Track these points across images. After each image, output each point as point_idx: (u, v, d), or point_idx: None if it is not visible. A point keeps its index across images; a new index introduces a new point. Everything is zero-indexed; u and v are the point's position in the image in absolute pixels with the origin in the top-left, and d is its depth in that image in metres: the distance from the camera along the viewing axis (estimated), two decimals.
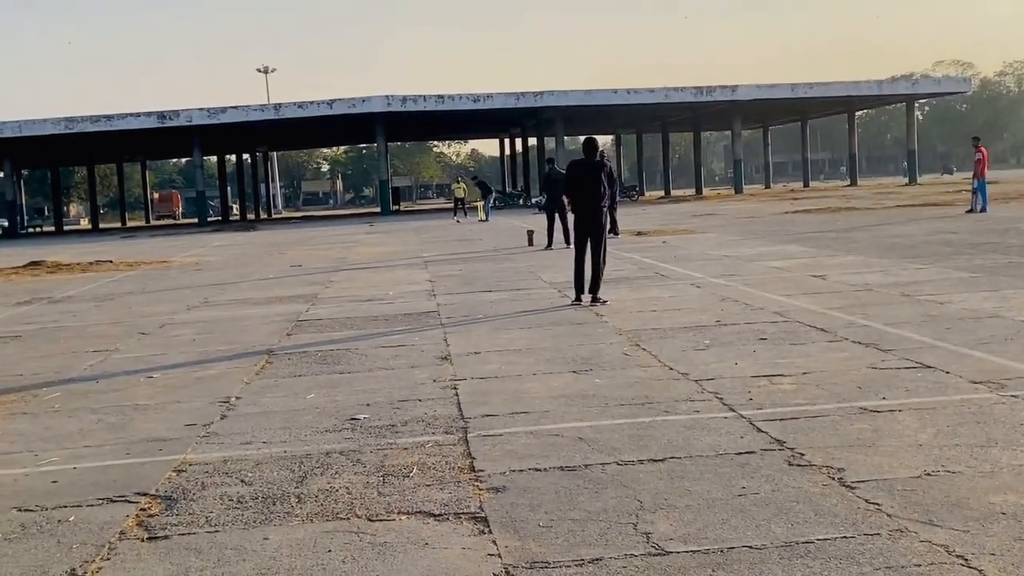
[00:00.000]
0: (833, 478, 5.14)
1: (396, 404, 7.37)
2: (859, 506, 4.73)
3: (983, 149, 29.90)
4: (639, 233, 26.91)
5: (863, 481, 5.07)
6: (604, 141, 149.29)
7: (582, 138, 13.89)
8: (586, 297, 12.72)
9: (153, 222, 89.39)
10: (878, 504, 4.74)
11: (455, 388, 7.83)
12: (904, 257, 16.34)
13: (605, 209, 12.80)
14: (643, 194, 75.68)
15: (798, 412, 6.51)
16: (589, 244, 12.64)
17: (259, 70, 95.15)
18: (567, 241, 22.70)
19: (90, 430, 7.12)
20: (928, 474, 5.13)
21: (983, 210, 28.03)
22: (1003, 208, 29.68)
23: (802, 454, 5.57)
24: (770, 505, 4.78)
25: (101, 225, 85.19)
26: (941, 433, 5.85)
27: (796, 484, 5.07)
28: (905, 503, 4.73)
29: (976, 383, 7.04)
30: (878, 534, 4.37)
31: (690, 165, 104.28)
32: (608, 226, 13.48)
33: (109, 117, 57.00)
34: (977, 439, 5.68)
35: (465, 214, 47.28)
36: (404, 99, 57.22)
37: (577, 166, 13.16)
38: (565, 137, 63.66)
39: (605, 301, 12.55)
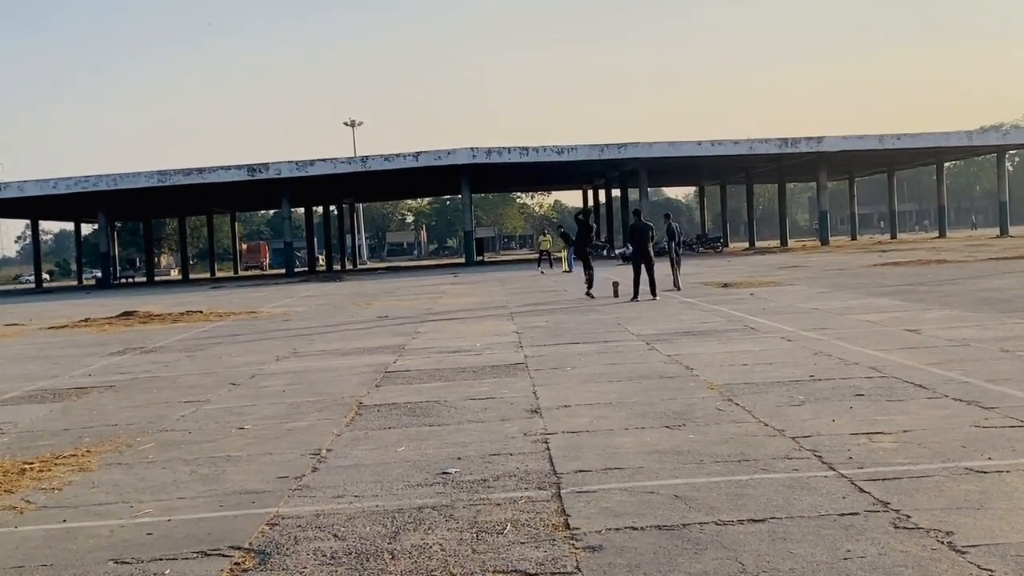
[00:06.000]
0: (942, 542, 4.95)
1: (487, 458, 7.30)
2: (971, 572, 4.54)
3: None
4: (726, 285, 26.68)
5: (974, 545, 4.87)
6: (687, 192, 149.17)
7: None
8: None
9: (241, 273, 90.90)
10: (991, 571, 4.54)
11: (546, 442, 7.75)
12: (1001, 311, 15.92)
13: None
14: (727, 245, 75.15)
15: (901, 472, 6.31)
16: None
17: (346, 123, 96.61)
18: (653, 293, 22.61)
19: (183, 481, 7.16)
20: None
21: None
22: None
23: (908, 516, 5.38)
24: (877, 570, 4.61)
25: (191, 276, 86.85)
26: None
27: (903, 548, 4.89)
28: (1020, 569, 4.54)
29: None
30: None
31: (774, 216, 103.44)
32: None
33: (201, 170, 58.30)
34: None
35: (551, 265, 47.31)
36: (489, 151, 57.71)
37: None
38: (649, 188, 63.44)
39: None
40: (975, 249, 43.64)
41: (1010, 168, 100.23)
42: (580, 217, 28.47)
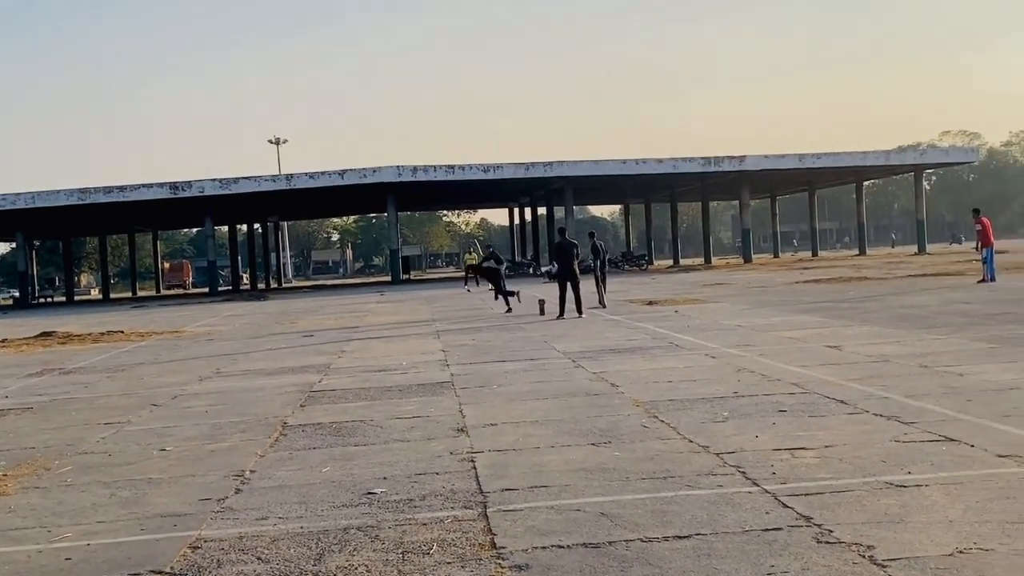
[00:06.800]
0: (863, 556, 5.02)
1: (413, 477, 7.27)
2: None
3: (984, 219, 29.87)
4: (650, 302, 26.89)
5: (894, 559, 4.95)
6: (613, 210, 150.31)
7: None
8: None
9: (164, 292, 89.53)
10: None
11: (472, 461, 7.74)
12: (919, 327, 16.24)
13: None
14: (652, 263, 75.73)
15: (823, 487, 6.40)
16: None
17: (271, 141, 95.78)
18: (579, 311, 22.71)
19: (103, 505, 7.03)
20: (960, 552, 5.00)
21: (992, 279, 27.96)
22: (1016, 278, 29.61)
23: (830, 531, 5.45)
24: None
25: (112, 295, 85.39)
26: (971, 509, 5.73)
27: (826, 562, 4.95)
28: None
29: (1002, 457, 6.92)
30: None
31: (698, 234, 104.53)
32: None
33: (122, 188, 57.44)
34: (1008, 515, 5.56)
35: (477, 283, 47.20)
36: (415, 169, 57.61)
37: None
38: (575, 207, 63.84)
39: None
40: (894, 266, 44.47)
41: (927, 187, 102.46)
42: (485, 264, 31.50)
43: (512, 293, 27.53)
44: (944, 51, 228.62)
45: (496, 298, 28.54)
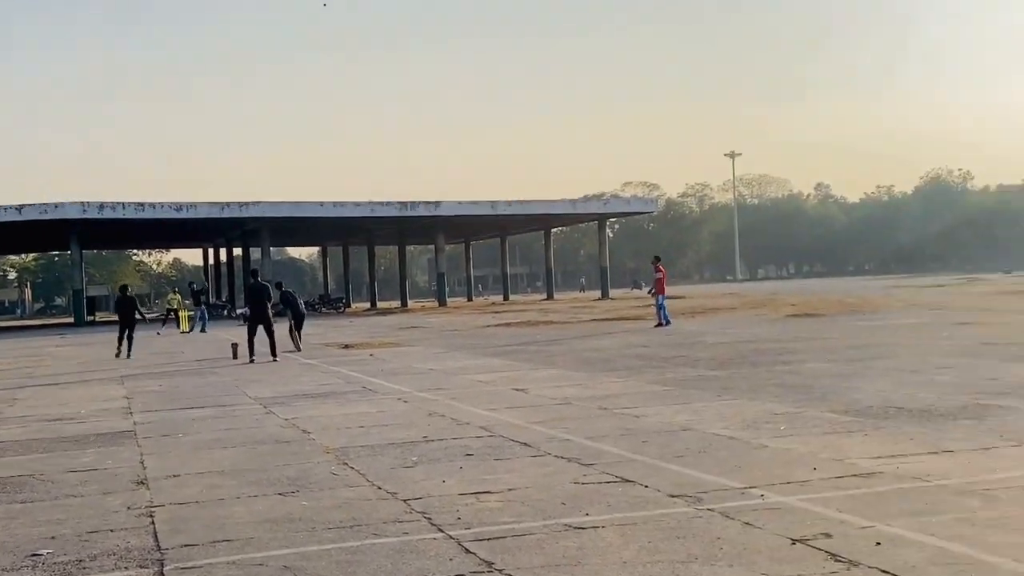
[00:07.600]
0: None
1: (85, 536, 6.87)
2: None
3: (662, 268, 31.76)
4: (346, 346, 26.80)
5: None
6: (311, 252, 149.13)
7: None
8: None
9: None
10: None
11: (151, 516, 7.41)
12: (600, 370, 16.94)
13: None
14: (350, 306, 75.59)
15: (505, 531, 6.52)
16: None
17: None
18: (273, 354, 22.35)
19: None
20: None
21: (667, 324, 29.66)
22: (689, 322, 31.46)
23: (510, 575, 5.56)
24: None
25: None
26: (643, 549, 5.98)
27: None
28: None
29: (674, 496, 7.28)
30: None
31: (395, 277, 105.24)
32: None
33: None
34: (678, 554, 5.84)
35: (178, 325, 45.44)
36: (101, 206, 55.17)
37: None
38: (273, 247, 63.00)
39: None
40: (579, 311, 46.27)
41: (611, 234, 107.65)
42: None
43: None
44: (623, 105, 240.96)
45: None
